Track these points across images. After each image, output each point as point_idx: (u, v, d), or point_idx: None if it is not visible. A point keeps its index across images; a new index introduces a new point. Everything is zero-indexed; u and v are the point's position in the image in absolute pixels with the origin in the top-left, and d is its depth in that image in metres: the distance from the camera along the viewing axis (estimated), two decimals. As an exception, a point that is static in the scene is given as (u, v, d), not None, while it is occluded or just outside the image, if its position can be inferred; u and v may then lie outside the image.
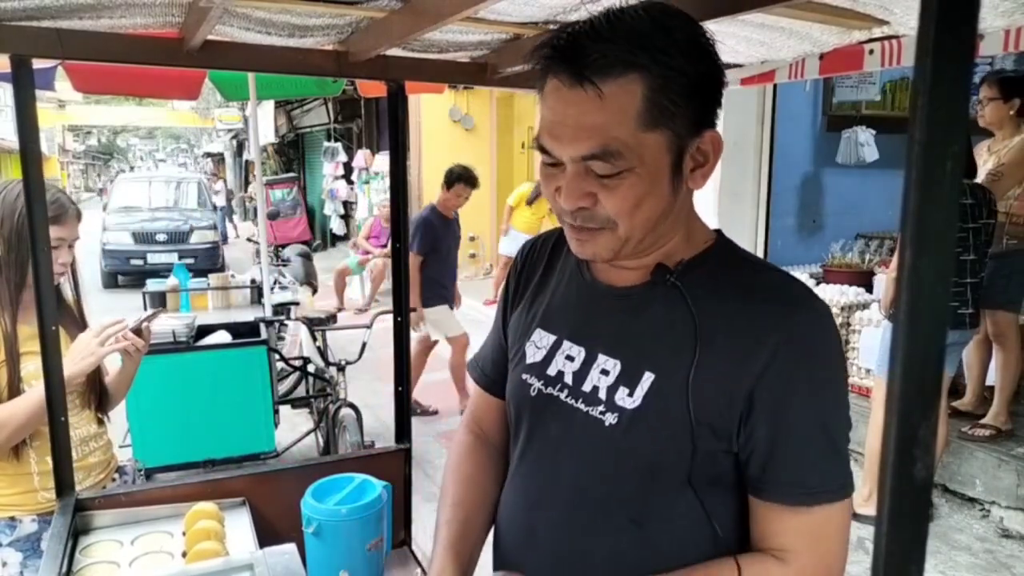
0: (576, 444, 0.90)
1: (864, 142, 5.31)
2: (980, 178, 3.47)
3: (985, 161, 3.59)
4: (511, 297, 1.08)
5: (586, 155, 0.79)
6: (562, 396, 0.92)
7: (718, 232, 0.93)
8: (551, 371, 0.94)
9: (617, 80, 0.76)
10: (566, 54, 0.78)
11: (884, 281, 4.26)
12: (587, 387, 0.90)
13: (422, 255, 4.60)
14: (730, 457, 0.84)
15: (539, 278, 1.04)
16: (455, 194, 4.72)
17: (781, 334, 0.80)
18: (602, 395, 0.88)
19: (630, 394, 0.85)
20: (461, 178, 4.70)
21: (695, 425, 0.82)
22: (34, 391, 1.62)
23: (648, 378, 0.85)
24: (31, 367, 1.68)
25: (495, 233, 10.14)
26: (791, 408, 0.81)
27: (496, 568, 0.99)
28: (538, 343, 0.97)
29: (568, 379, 0.92)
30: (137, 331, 1.73)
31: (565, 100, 0.79)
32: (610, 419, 0.86)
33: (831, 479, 0.82)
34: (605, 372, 0.88)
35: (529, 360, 0.97)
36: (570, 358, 0.93)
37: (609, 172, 0.79)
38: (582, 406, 0.89)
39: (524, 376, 0.97)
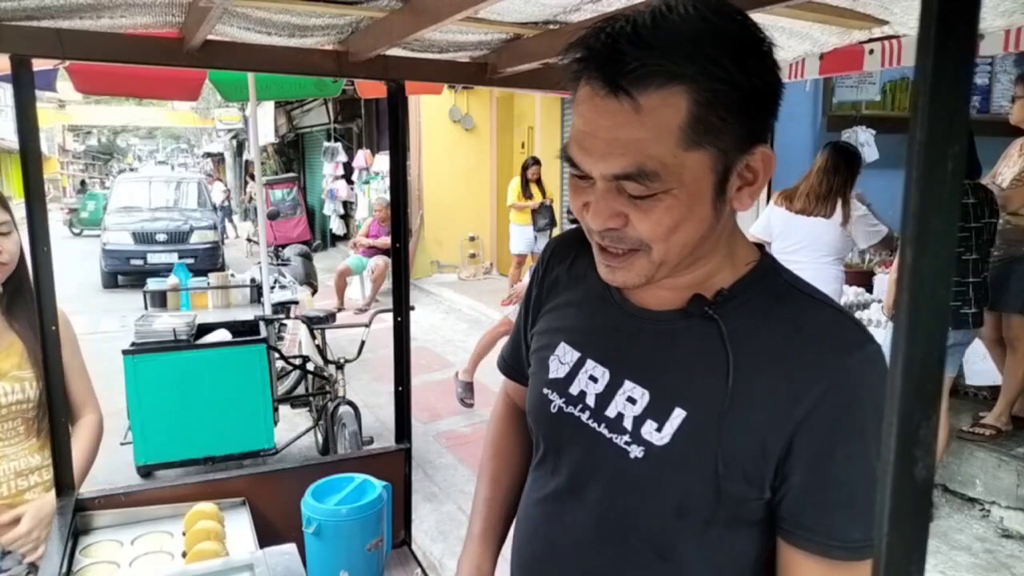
0: (599, 470, 0.86)
1: (864, 142, 5.31)
2: (1006, 181, 3.47)
3: (1014, 163, 3.55)
4: (533, 302, 1.03)
5: (618, 174, 0.71)
6: (583, 417, 0.88)
7: (761, 250, 0.86)
8: (573, 389, 0.90)
9: (659, 92, 0.68)
10: (602, 58, 0.69)
11: (886, 282, 4.26)
12: (611, 412, 0.85)
13: None
14: (762, 502, 0.79)
15: (563, 286, 0.98)
16: None
17: (830, 379, 0.74)
18: (627, 424, 0.83)
19: (658, 429, 0.81)
20: None
21: (723, 469, 0.77)
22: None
23: (679, 415, 0.80)
24: None
25: (495, 233, 10.16)
26: (834, 458, 0.75)
27: (517, 570, 1.00)
28: (562, 358, 0.92)
29: (590, 400, 0.87)
30: None
31: (598, 110, 0.71)
32: (635, 452, 0.82)
33: (872, 533, 0.77)
34: (632, 400, 0.84)
35: (551, 375, 0.93)
36: (593, 379, 0.88)
37: (643, 193, 0.71)
38: (605, 431, 0.85)
39: (545, 391, 0.93)
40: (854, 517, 0.76)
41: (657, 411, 0.81)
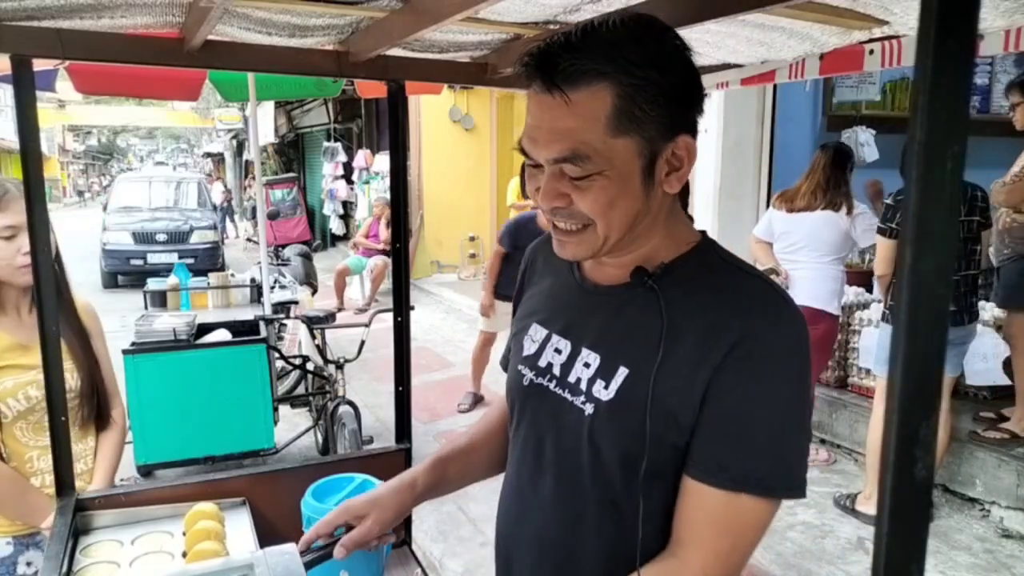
0: (560, 431, 0.97)
1: (864, 142, 5.31)
2: (1008, 177, 3.50)
3: (1021, 160, 3.56)
4: (519, 295, 1.17)
5: (557, 158, 0.84)
6: (551, 386, 0.99)
7: (703, 234, 0.96)
8: (542, 363, 1.01)
9: (588, 88, 0.81)
10: (540, 63, 0.83)
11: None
12: (572, 378, 0.96)
13: (505, 250, 4.72)
14: None
15: (539, 275, 1.12)
16: None
17: (743, 331, 0.83)
18: (583, 386, 0.94)
19: (606, 387, 0.91)
20: None
21: (657, 419, 0.86)
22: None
23: (622, 372, 0.90)
24: (8, 383, 1.59)
25: (495, 233, 10.15)
26: (733, 395, 0.83)
27: (497, 541, 1.09)
28: (533, 337, 1.05)
29: (556, 370, 0.99)
30: None
31: (540, 106, 0.84)
32: (588, 409, 0.92)
33: (763, 473, 0.83)
34: (587, 365, 0.94)
35: (525, 353, 1.05)
36: (558, 351, 0.99)
37: (580, 175, 0.84)
38: (568, 395, 0.96)
39: (520, 367, 1.05)
40: (743, 451, 0.84)
41: (605, 371, 0.92)
